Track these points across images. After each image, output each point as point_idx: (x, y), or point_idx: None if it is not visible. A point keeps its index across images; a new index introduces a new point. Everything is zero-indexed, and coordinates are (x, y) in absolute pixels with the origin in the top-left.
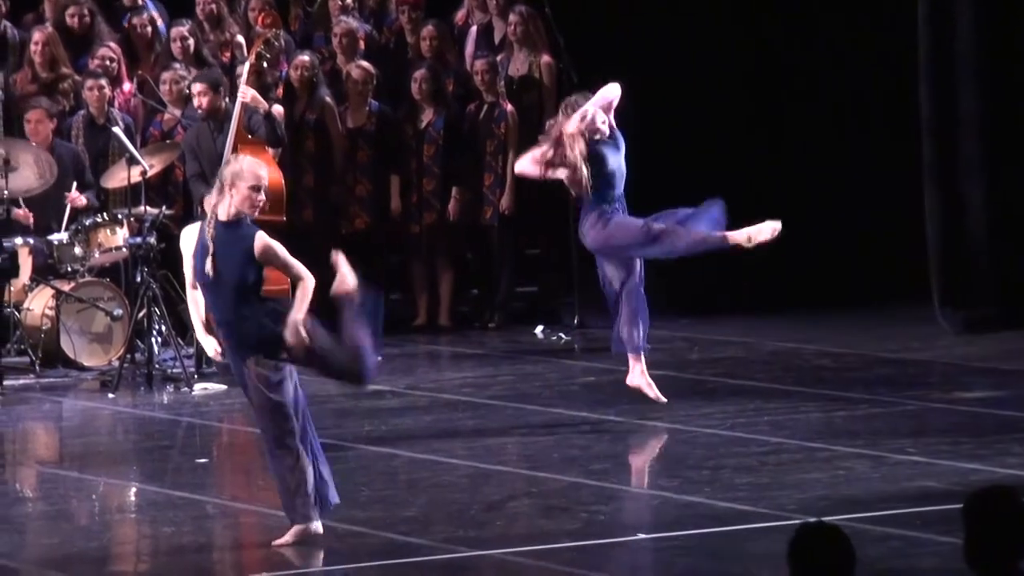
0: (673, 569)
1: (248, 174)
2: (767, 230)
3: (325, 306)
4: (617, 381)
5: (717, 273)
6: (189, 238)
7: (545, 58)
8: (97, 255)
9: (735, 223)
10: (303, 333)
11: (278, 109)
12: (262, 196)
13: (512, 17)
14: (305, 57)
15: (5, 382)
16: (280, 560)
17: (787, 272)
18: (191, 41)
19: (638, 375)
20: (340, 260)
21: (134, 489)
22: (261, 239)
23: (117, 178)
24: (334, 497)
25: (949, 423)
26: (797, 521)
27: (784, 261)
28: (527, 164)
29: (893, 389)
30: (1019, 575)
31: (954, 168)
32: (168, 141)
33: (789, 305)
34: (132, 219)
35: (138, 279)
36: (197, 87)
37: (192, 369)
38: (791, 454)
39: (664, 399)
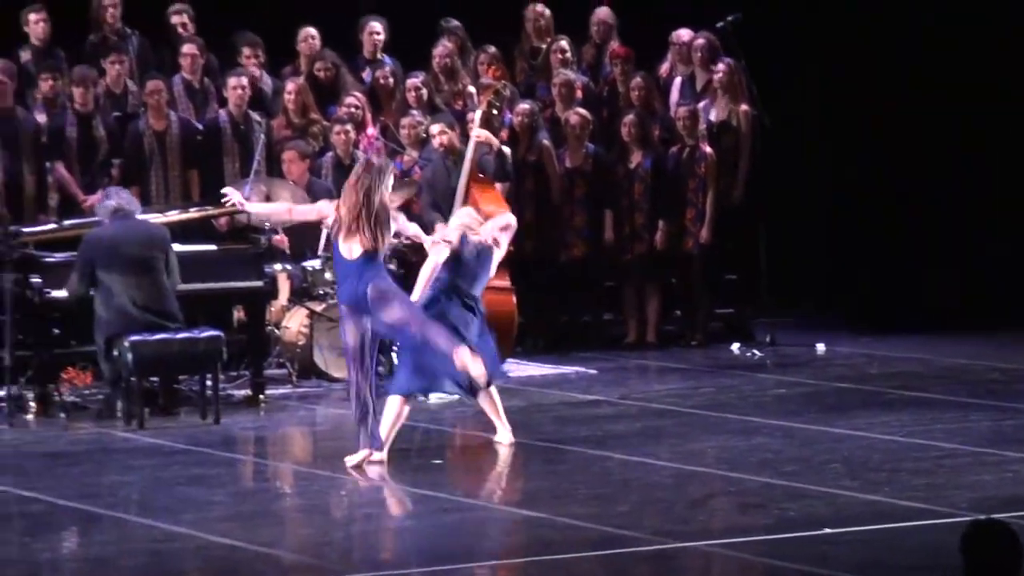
0: (856, 560)
1: None
2: None
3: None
4: (806, 394)
5: (897, 294)
6: None
7: (743, 107)
8: None
9: (914, 246)
10: None
11: (507, 150)
12: None
13: (721, 65)
14: (526, 105)
15: (267, 391)
16: (506, 549)
17: (961, 294)
18: (424, 91)
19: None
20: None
21: (378, 487)
22: None
23: None
24: None
25: None
26: (969, 518)
27: (958, 284)
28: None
29: None
30: None
31: None
32: (407, 179)
33: (963, 324)
34: None
35: None
36: (437, 128)
37: None
38: (963, 458)
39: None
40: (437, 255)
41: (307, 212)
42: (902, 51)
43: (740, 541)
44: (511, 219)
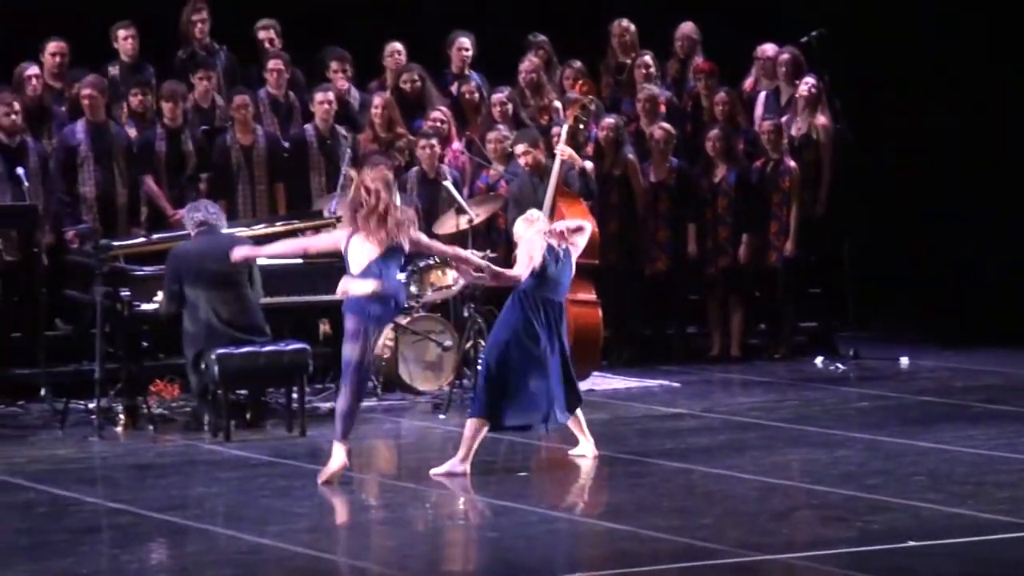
0: (940, 573)
1: None
2: None
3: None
4: (889, 407)
5: (981, 308)
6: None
7: (822, 120)
8: (430, 293)
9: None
10: None
11: (590, 166)
12: None
13: (809, 79)
14: (611, 119)
15: None
16: (590, 561)
17: None
18: (510, 106)
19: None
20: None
21: (462, 499)
22: None
23: (447, 226)
24: None
25: None
26: None
27: None
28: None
29: None
30: None
31: None
32: (492, 193)
33: None
34: None
35: (465, 314)
36: (521, 147)
37: None
38: None
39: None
40: (523, 274)
41: (324, 244)
42: (990, 64)
43: (823, 554)
44: (585, 223)
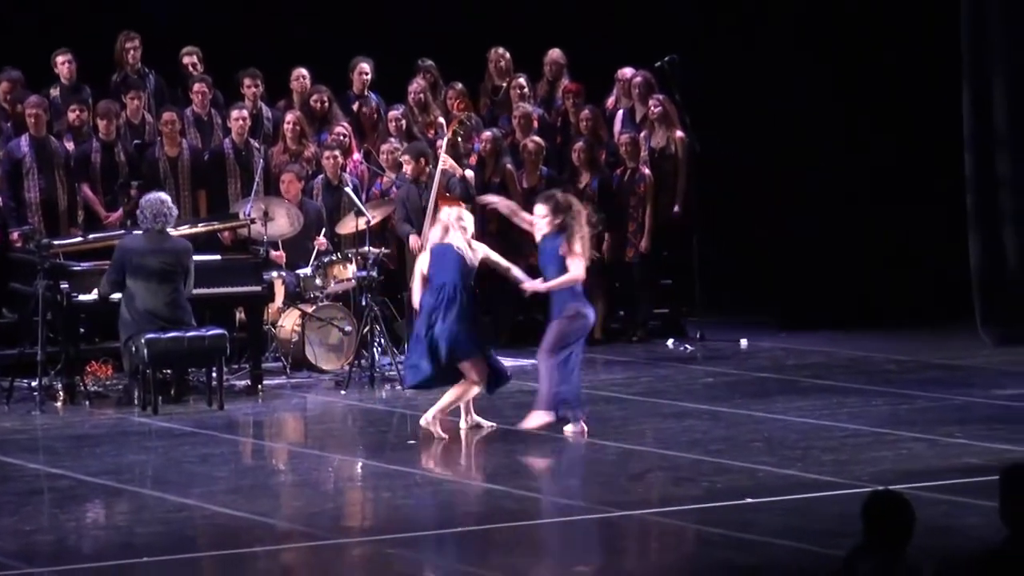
0: (774, 525)
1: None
2: None
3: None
4: (730, 383)
5: (806, 299)
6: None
7: (678, 133)
8: (333, 285)
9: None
10: None
11: (470, 174)
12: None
13: (652, 101)
14: (491, 133)
15: (264, 382)
16: (472, 517)
17: (862, 296)
18: (403, 122)
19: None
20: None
21: (360, 463)
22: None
23: (348, 226)
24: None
25: (987, 414)
26: (870, 488)
27: (860, 287)
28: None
29: (944, 388)
30: None
31: (993, 220)
32: (386, 198)
33: (864, 322)
34: (359, 257)
35: (363, 303)
36: (405, 157)
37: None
38: (865, 438)
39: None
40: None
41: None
42: (808, 80)
43: (673, 510)
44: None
